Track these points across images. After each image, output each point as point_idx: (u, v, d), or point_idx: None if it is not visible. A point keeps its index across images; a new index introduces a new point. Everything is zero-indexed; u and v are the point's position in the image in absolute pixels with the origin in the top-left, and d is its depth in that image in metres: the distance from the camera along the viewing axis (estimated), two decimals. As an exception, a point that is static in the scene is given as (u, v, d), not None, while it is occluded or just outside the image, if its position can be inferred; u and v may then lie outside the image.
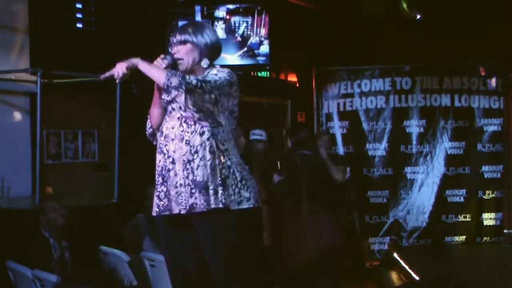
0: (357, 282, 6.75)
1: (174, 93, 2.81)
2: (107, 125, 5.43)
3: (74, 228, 4.32)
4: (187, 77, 2.84)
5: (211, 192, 2.90)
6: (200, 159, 2.92)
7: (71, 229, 4.29)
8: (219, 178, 2.92)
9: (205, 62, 3.04)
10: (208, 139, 2.92)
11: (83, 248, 4.33)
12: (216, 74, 2.97)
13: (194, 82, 2.83)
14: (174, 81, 2.81)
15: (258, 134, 5.62)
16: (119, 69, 2.89)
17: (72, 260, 4.23)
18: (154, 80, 2.88)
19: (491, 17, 7.58)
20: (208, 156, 2.91)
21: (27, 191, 5.04)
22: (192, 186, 2.92)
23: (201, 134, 2.92)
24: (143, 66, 2.89)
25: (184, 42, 3.02)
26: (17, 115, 5.10)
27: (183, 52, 3.02)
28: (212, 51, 3.06)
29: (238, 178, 2.97)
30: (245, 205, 2.97)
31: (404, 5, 7.36)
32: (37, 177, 4.83)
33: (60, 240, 4.22)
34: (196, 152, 2.91)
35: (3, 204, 4.70)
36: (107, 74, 2.98)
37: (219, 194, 2.91)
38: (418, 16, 7.43)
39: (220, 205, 2.90)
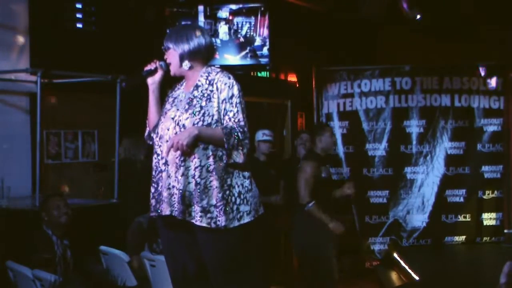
0: (357, 282, 6.76)
1: (234, 152, 2.91)
2: (107, 125, 5.43)
3: (75, 226, 4.33)
4: (240, 135, 2.90)
5: (207, 210, 2.89)
6: (195, 168, 2.90)
7: (72, 228, 4.29)
8: (217, 200, 2.89)
9: (185, 64, 3.06)
10: (204, 148, 2.91)
11: (83, 248, 4.33)
12: (234, 96, 2.97)
13: (242, 136, 2.90)
14: (232, 142, 2.88)
15: (267, 135, 5.62)
16: (185, 142, 2.83)
17: (73, 259, 4.23)
18: (218, 145, 2.91)
19: (491, 17, 7.58)
20: (204, 172, 2.89)
21: (27, 191, 5.05)
22: (187, 195, 2.90)
23: (195, 145, 2.90)
24: (205, 135, 2.89)
25: (167, 48, 3.09)
26: (17, 115, 5.10)
27: (169, 57, 3.09)
28: (195, 54, 3.05)
29: (236, 194, 2.95)
30: (246, 220, 2.96)
31: (404, 5, 7.35)
32: (37, 177, 4.83)
33: (62, 238, 4.22)
34: (191, 160, 2.90)
35: (3, 204, 4.70)
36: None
37: (214, 215, 2.89)
38: (418, 16, 7.42)
39: (213, 226, 2.89)
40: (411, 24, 7.54)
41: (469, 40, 7.87)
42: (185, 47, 3.04)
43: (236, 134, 2.89)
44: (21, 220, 4.47)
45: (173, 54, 3.07)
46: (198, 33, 3.08)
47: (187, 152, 2.86)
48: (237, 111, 2.95)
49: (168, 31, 3.26)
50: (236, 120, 2.94)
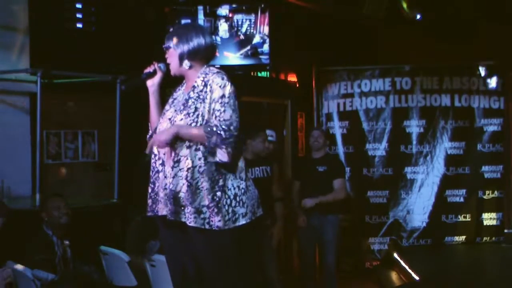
0: (357, 282, 6.76)
1: (218, 151, 2.89)
2: (107, 125, 5.43)
3: (75, 226, 4.32)
4: (222, 133, 2.86)
5: (199, 210, 2.89)
6: (187, 169, 2.90)
7: (72, 228, 4.29)
8: (208, 201, 2.89)
9: (185, 64, 3.07)
10: (196, 149, 2.92)
11: (83, 248, 4.33)
12: (224, 96, 2.94)
13: (225, 135, 2.86)
14: (214, 140, 2.86)
15: (269, 135, 5.61)
16: (162, 139, 2.90)
17: (73, 259, 4.23)
18: (198, 141, 2.92)
19: (491, 16, 7.57)
20: (196, 174, 2.90)
21: (27, 191, 5.05)
22: (181, 196, 2.91)
23: (188, 146, 2.92)
24: (184, 133, 2.92)
25: (168, 48, 3.10)
26: (17, 115, 5.09)
27: (169, 57, 3.11)
28: (194, 54, 3.06)
29: (232, 196, 2.94)
30: (241, 222, 2.95)
31: (404, 5, 7.35)
32: (37, 177, 4.83)
33: (63, 239, 4.22)
34: (184, 161, 2.91)
35: (3, 204, 4.69)
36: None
37: (207, 215, 2.89)
38: (418, 16, 7.42)
39: (207, 227, 2.90)
40: (411, 24, 7.53)
41: (469, 40, 7.86)
42: (185, 47, 3.05)
43: (219, 132, 2.87)
44: (21, 220, 4.47)
45: (173, 54, 3.08)
46: (198, 33, 3.09)
47: (170, 146, 2.91)
48: (224, 110, 2.92)
49: (169, 30, 3.25)
50: (222, 119, 2.90)
